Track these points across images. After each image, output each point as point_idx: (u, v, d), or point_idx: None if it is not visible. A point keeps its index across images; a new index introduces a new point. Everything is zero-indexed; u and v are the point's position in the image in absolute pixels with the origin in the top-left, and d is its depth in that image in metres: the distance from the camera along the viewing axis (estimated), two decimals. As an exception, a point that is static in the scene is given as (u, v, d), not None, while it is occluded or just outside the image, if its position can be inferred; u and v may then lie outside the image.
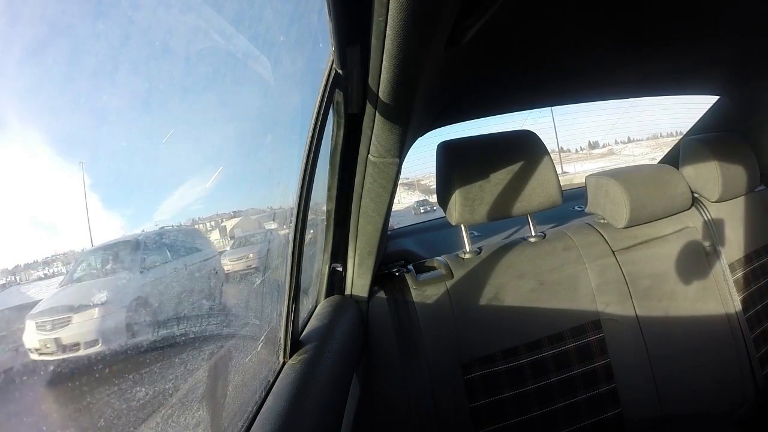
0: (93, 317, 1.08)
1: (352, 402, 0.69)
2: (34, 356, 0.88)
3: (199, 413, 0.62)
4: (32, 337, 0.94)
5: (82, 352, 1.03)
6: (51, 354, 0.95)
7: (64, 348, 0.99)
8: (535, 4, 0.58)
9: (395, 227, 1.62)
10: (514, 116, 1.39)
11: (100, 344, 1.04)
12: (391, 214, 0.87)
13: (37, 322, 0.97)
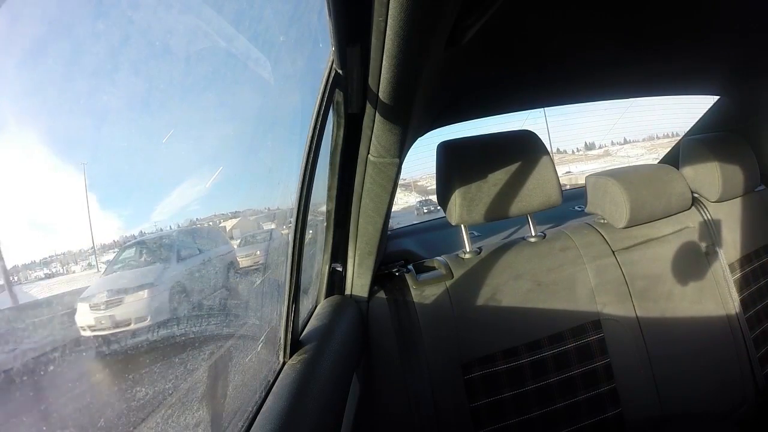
0: (143, 298, 1.27)
1: (352, 402, 0.69)
2: (86, 333, 1.02)
3: (199, 413, 0.62)
4: (86, 316, 1.08)
5: (132, 327, 1.19)
6: (104, 330, 1.10)
7: (117, 324, 1.15)
8: (535, 5, 0.58)
9: (395, 227, 1.61)
10: (514, 116, 1.38)
11: (148, 320, 1.22)
12: (390, 215, 0.87)
13: (90, 304, 1.12)
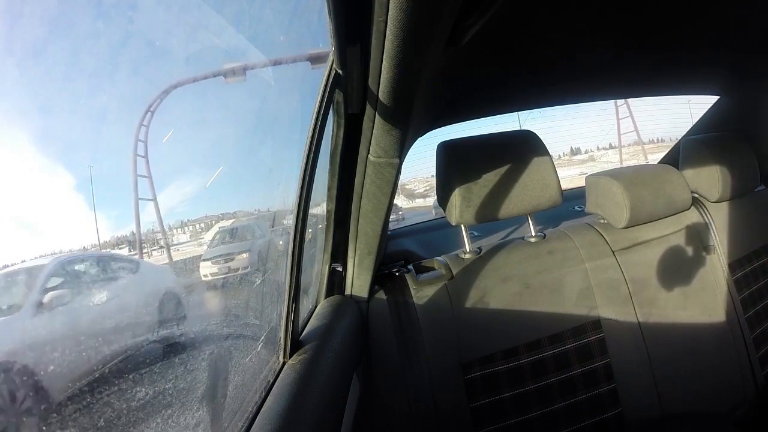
0: (245, 257, 2.72)
1: (352, 402, 0.69)
2: (207, 278, 2.59)
3: (199, 413, 0.62)
4: (209, 269, 2.68)
5: (240, 273, 2.61)
6: (222, 275, 2.60)
7: (231, 270, 2.63)
8: (535, 5, 0.58)
9: (395, 227, 1.61)
10: (514, 116, 1.38)
11: (249, 268, 2.59)
12: (390, 215, 0.87)
13: (212, 261, 2.73)
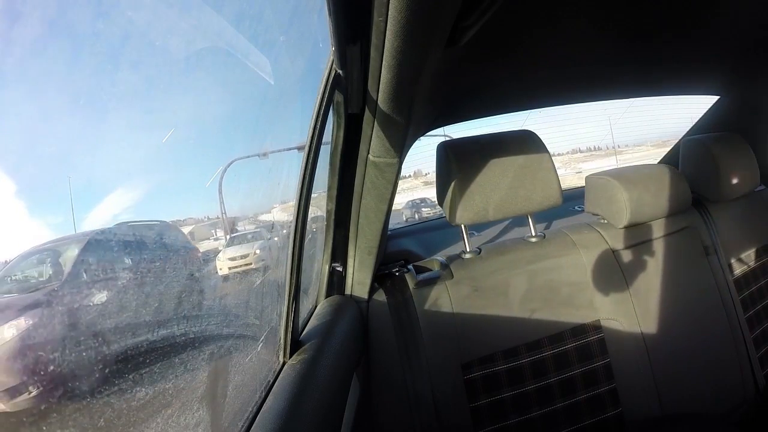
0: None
1: (352, 402, 0.69)
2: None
3: (199, 413, 0.62)
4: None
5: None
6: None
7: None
8: (535, 5, 0.58)
9: (395, 227, 1.62)
10: (514, 116, 1.38)
11: (309, 235, 2.25)
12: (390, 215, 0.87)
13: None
